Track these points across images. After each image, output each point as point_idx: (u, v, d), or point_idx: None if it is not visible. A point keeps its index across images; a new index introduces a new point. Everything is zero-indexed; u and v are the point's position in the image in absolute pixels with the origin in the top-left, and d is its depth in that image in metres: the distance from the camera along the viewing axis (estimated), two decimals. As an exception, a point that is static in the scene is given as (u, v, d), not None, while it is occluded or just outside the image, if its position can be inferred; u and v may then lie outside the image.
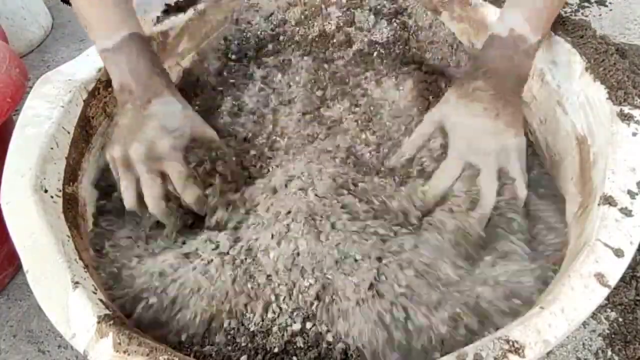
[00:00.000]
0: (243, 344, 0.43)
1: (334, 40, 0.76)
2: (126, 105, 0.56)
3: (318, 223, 0.49)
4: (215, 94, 0.71)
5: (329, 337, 0.43)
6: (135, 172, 0.53)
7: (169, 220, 0.54)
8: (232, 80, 0.73)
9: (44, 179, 0.51)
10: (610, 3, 1.22)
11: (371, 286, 0.45)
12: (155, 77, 0.57)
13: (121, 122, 0.55)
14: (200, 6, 0.73)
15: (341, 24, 0.76)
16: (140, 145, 0.52)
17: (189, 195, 0.53)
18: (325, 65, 0.73)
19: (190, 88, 0.72)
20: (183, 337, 0.45)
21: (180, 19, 0.71)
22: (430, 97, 0.67)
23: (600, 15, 1.19)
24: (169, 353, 0.38)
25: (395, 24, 0.74)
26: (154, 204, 0.53)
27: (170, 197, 0.54)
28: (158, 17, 0.71)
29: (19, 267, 0.79)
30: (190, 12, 0.72)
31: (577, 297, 0.39)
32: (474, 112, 0.54)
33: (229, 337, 0.44)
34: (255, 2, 0.76)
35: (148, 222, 0.54)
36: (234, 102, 0.69)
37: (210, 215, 0.54)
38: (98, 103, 0.62)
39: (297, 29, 0.76)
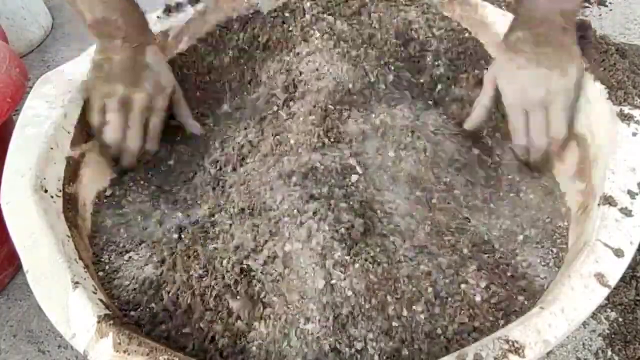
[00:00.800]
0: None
1: None
2: (114, 41, 0.58)
3: None
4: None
5: None
6: (127, 113, 0.59)
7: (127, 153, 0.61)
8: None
9: (44, 179, 0.51)
10: (610, 3, 1.22)
11: None
12: (144, 20, 0.62)
13: (116, 58, 0.59)
14: (200, 6, 0.73)
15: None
16: (144, 97, 0.60)
17: (152, 145, 0.63)
18: None
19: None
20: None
21: (180, 19, 0.71)
22: None
23: (600, 15, 1.19)
24: (169, 353, 0.38)
25: None
26: (136, 144, 0.61)
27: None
28: (158, 17, 0.71)
29: (19, 267, 0.79)
30: (190, 12, 0.72)
31: (577, 297, 0.39)
32: (518, 65, 0.56)
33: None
34: (255, 2, 0.76)
35: (128, 160, 0.61)
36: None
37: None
38: (98, 103, 0.62)
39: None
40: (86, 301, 0.41)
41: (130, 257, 0.53)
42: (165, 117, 0.63)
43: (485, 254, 0.49)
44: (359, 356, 0.42)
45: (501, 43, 0.60)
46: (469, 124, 0.61)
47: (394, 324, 0.43)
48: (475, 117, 0.60)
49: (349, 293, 0.44)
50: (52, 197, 0.51)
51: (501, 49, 0.59)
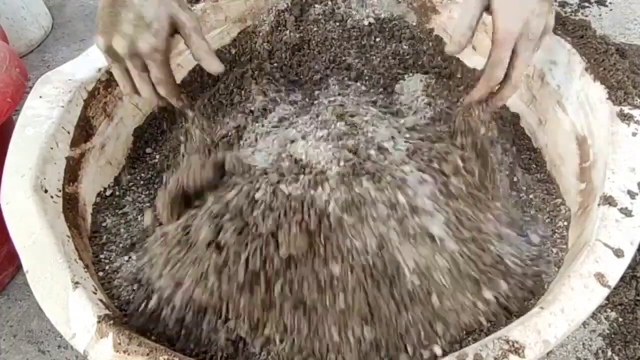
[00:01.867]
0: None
1: None
2: None
3: None
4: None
5: None
6: (125, 65, 0.53)
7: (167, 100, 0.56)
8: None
9: (44, 179, 0.51)
10: (610, 3, 1.22)
11: None
12: None
13: (100, 5, 0.53)
14: (200, 6, 0.73)
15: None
16: (122, 40, 0.51)
17: (163, 90, 0.55)
18: None
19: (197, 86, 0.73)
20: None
21: (180, 19, 0.71)
22: None
23: (600, 15, 1.19)
24: (169, 353, 0.38)
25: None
26: (148, 95, 0.54)
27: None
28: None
29: (19, 267, 0.79)
30: (190, 12, 0.72)
31: (577, 297, 0.39)
32: None
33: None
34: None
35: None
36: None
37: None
38: (98, 103, 0.62)
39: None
40: (86, 301, 0.42)
41: (130, 257, 0.53)
42: (166, 57, 0.54)
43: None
44: None
45: None
46: (450, 47, 0.55)
47: None
48: (457, 39, 0.54)
49: None
50: (52, 197, 0.51)
51: None
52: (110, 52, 0.52)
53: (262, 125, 0.59)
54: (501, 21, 0.51)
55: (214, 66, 0.56)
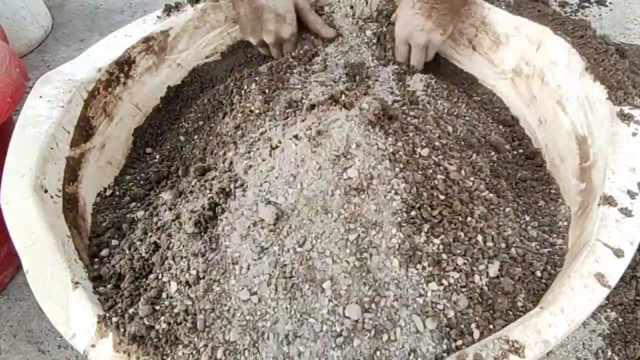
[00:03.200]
0: None
1: None
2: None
3: None
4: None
5: None
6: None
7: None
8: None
9: (44, 179, 0.51)
10: (610, 3, 1.22)
11: None
12: None
13: (242, 12, 0.70)
14: (200, 6, 0.73)
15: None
16: (270, 35, 0.71)
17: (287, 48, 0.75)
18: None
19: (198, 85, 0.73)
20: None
21: (180, 19, 0.71)
22: None
23: (600, 15, 1.19)
24: (169, 353, 0.38)
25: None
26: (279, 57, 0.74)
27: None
28: (158, 17, 0.71)
29: (19, 267, 0.79)
30: (190, 12, 0.72)
31: (577, 297, 0.39)
32: (414, 11, 0.67)
33: None
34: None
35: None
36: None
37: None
38: (98, 103, 0.62)
39: None
40: (86, 301, 0.42)
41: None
42: (296, 33, 0.73)
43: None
44: None
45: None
46: (399, 58, 0.72)
47: None
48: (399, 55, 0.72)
49: None
50: (52, 197, 0.51)
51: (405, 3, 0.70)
52: (261, 44, 0.73)
53: None
54: (397, 26, 0.70)
55: (330, 33, 0.74)
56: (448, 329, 0.42)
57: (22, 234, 0.46)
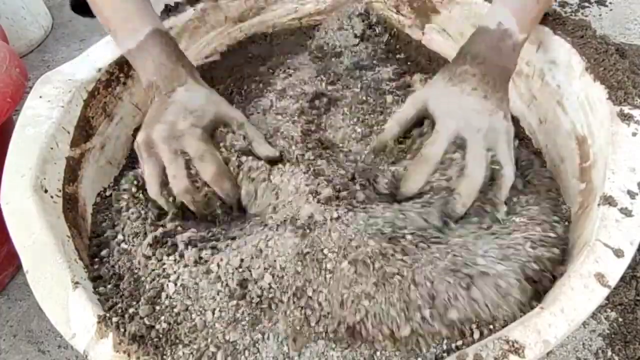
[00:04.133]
0: None
1: None
2: (154, 99, 0.57)
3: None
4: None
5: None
6: (159, 158, 0.52)
7: (195, 205, 0.52)
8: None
9: (44, 179, 0.51)
10: (610, 3, 1.22)
11: None
12: (180, 68, 0.58)
13: (148, 113, 0.56)
14: (200, 6, 0.73)
15: None
16: (161, 125, 0.52)
17: (206, 171, 0.51)
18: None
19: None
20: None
21: (180, 19, 0.71)
22: None
23: (600, 15, 1.19)
24: (169, 353, 0.38)
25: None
26: (177, 184, 0.51)
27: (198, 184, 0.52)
28: (158, 17, 0.71)
29: (19, 267, 0.79)
30: (190, 12, 0.72)
31: (577, 297, 0.39)
32: (463, 91, 0.54)
33: None
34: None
35: (171, 208, 0.52)
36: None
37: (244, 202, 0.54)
38: (98, 103, 0.62)
39: None
40: (86, 301, 0.42)
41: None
42: (210, 144, 0.54)
43: None
44: None
45: (442, 72, 0.57)
46: (377, 140, 0.58)
47: None
48: (388, 131, 0.57)
49: None
50: (52, 197, 0.51)
51: (441, 76, 0.57)
52: (146, 144, 0.52)
53: None
54: (439, 116, 0.53)
55: (270, 152, 0.56)
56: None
57: (22, 234, 0.46)
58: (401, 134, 0.57)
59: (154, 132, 0.52)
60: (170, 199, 0.53)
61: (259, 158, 0.56)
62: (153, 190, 0.53)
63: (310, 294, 0.43)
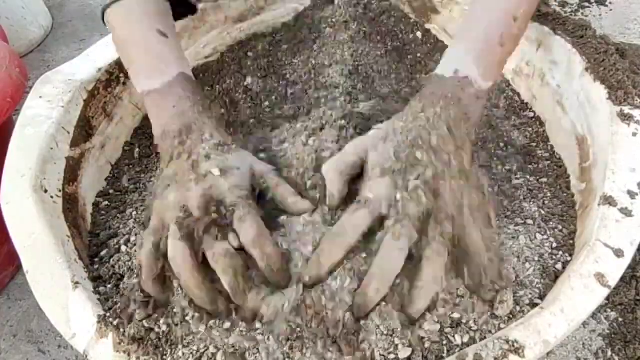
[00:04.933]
0: None
1: None
2: (174, 152, 0.46)
3: None
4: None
5: None
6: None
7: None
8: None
9: (44, 179, 0.51)
10: (610, 3, 1.22)
11: None
12: (206, 122, 0.48)
13: (165, 172, 0.46)
14: (200, 6, 0.73)
15: None
16: (198, 189, 0.42)
17: (267, 251, 0.41)
18: None
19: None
20: None
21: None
22: None
23: (600, 15, 1.19)
24: (170, 353, 0.38)
25: None
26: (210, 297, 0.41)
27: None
28: (158, 17, 0.71)
29: (19, 267, 0.79)
30: (190, 12, 0.72)
31: (577, 297, 0.39)
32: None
33: None
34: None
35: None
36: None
37: None
38: (98, 103, 0.62)
39: None
40: (86, 301, 0.42)
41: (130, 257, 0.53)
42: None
43: None
44: None
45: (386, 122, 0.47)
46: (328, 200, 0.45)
47: None
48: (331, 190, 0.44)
49: None
50: (52, 197, 0.51)
51: (384, 127, 0.46)
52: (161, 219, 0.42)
53: None
54: (368, 178, 0.43)
55: (305, 206, 0.45)
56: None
57: (22, 234, 0.46)
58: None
59: (191, 200, 0.42)
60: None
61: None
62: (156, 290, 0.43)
63: None
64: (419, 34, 0.73)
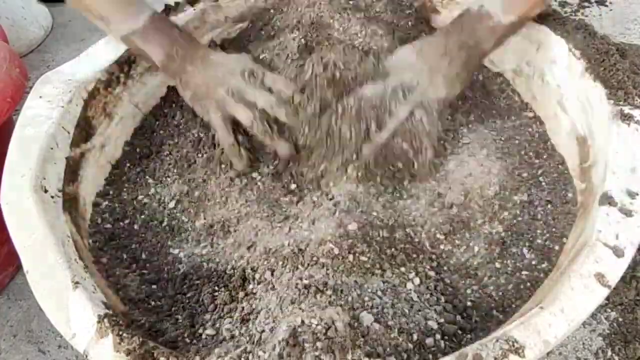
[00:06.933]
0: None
1: None
2: (185, 64, 0.58)
3: None
4: None
5: None
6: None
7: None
8: None
9: (44, 179, 0.51)
10: (610, 3, 1.22)
11: None
12: (196, 42, 0.62)
13: (193, 81, 0.59)
14: (200, 6, 0.73)
15: None
16: (225, 87, 0.57)
17: (280, 113, 0.57)
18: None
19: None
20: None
21: (180, 18, 0.71)
22: None
23: (600, 15, 1.19)
24: (170, 353, 0.38)
25: None
26: (259, 128, 0.57)
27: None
28: (158, 17, 0.71)
29: (19, 267, 0.79)
30: (191, 12, 0.72)
31: (577, 297, 0.39)
32: (414, 60, 0.58)
33: None
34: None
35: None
36: None
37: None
38: (98, 103, 0.62)
39: None
40: (86, 301, 0.41)
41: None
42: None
43: None
44: None
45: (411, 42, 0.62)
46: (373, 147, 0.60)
47: None
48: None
49: None
50: (52, 197, 0.51)
51: (409, 45, 0.61)
52: (218, 101, 0.58)
53: None
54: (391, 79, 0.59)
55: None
56: None
57: (22, 234, 0.46)
58: None
59: (220, 94, 0.57)
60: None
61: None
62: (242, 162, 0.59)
63: None
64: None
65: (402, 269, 0.48)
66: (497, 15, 0.56)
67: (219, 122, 0.58)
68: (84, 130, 0.60)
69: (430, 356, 0.41)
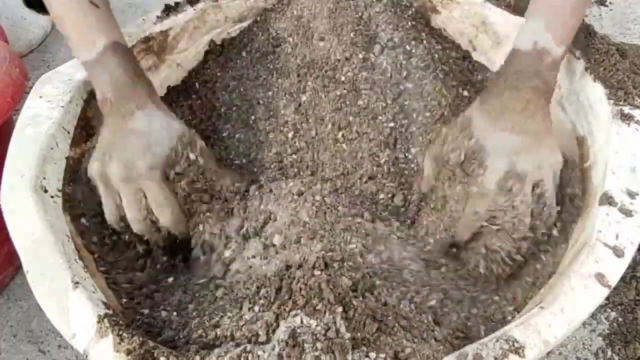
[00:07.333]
0: None
1: None
2: (108, 118, 0.54)
3: None
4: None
5: None
6: (117, 193, 0.52)
7: (153, 236, 0.54)
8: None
9: (44, 179, 0.51)
10: (610, 3, 1.22)
11: None
12: (138, 88, 0.55)
13: (102, 135, 0.54)
14: (200, 6, 0.73)
15: None
16: (118, 164, 0.51)
17: (163, 216, 0.52)
18: None
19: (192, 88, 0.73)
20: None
21: (180, 18, 0.71)
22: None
23: (600, 15, 1.19)
24: (170, 353, 0.38)
25: None
26: (136, 225, 0.53)
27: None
28: (158, 17, 0.71)
29: (19, 267, 0.79)
30: (190, 12, 0.72)
31: (577, 297, 0.39)
32: (505, 128, 0.50)
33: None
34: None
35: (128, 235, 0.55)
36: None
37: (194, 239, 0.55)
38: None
39: None
40: (86, 301, 0.41)
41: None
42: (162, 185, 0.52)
43: None
44: None
45: (478, 103, 0.54)
46: (423, 188, 0.59)
47: None
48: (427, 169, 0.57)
49: None
50: (52, 197, 0.51)
51: (478, 109, 0.53)
52: (101, 177, 0.52)
53: None
54: (491, 161, 0.50)
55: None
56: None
57: (22, 234, 0.46)
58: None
59: (111, 170, 0.51)
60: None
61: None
62: (113, 219, 0.54)
63: None
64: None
65: None
66: (553, 49, 0.51)
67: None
68: (84, 130, 0.60)
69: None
